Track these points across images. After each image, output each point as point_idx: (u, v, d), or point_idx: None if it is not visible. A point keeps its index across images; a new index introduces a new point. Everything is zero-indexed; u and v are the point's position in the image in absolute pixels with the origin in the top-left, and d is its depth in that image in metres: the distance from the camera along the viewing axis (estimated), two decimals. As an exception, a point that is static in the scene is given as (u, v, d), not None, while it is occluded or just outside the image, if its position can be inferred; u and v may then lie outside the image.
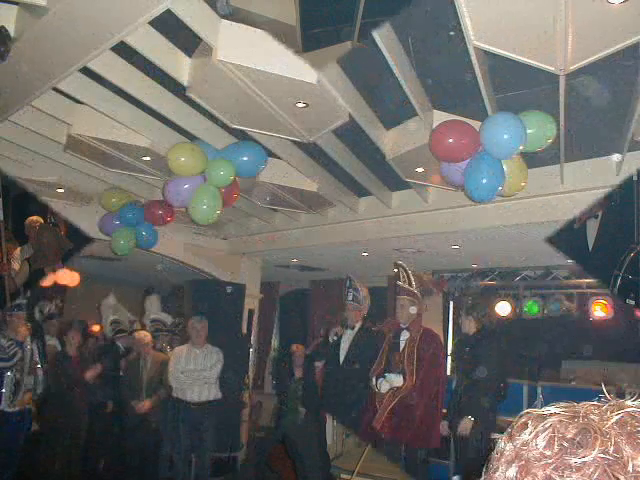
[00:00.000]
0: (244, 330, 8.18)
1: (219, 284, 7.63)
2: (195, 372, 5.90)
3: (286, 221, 7.81)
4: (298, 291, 11.99)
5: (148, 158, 5.35)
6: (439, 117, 4.55)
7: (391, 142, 5.05)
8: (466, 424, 5.12)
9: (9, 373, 5.47)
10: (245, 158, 5.01)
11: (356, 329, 6.14)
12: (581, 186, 5.22)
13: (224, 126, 4.93)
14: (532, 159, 4.76)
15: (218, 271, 8.66)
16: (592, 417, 0.72)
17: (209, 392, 5.93)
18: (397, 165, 5.23)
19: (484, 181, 4.38)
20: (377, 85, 4.40)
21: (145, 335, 6.65)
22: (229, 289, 7.48)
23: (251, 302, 8.65)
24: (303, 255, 8.60)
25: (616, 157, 4.87)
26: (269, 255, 8.76)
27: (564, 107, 3.99)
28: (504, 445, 0.77)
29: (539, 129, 4.18)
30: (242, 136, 5.13)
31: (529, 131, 4.13)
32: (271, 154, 5.27)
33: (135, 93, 4.26)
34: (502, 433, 0.79)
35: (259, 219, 7.95)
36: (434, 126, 4.49)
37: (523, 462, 0.71)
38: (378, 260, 8.39)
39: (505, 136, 4.12)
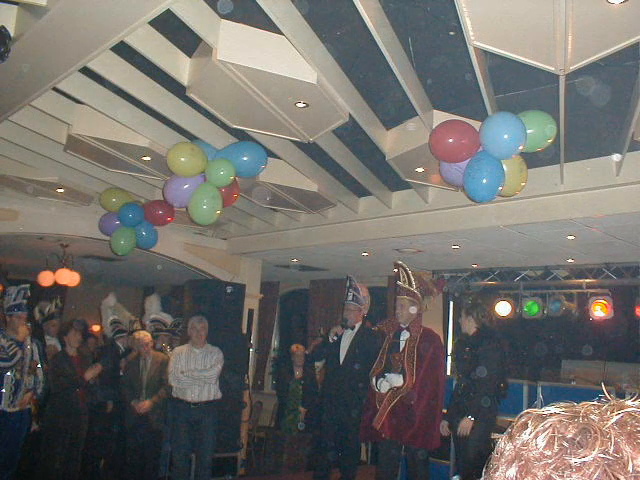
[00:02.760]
0: (244, 330, 8.18)
1: (219, 284, 7.63)
2: (195, 372, 5.89)
3: (286, 221, 7.81)
4: (298, 291, 12.00)
5: (148, 158, 5.35)
6: (439, 117, 4.55)
7: (391, 142, 5.05)
8: (466, 424, 5.13)
9: (9, 373, 5.47)
10: (245, 158, 5.01)
11: (356, 329, 6.14)
12: (581, 186, 5.22)
13: (224, 126, 4.94)
14: (532, 159, 4.76)
15: (218, 271, 8.67)
16: (592, 417, 0.72)
17: (209, 392, 5.93)
18: (397, 165, 5.23)
19: (484, 181, 4.37)
20: (377, 85, 4.41)
21: (145, 335, 6.65)
22: (229, 289, 7.46)
23: (251, 302, 8.65)
24: (303, 255, 8.60)
25: (616, 157, 4.87)
26: (269, 255, 8.77)
27: (564, 107, 3.99)
28: (504, 445, 0.77)
29: (539, 129, 4.18)
30: (242, 136, 5.14)
31: (529, 131, 4.13)
32: (271, 154, 5.28)
33: (135, 93, 4.26)
34: (502, 433, 0.79)
35: (259, 219, 7.96)
36: (434, 126, 4.50)
37: (523, 462, 0.71)
38: (378, 260, 8.40)
39: (505, 136, 4.11)
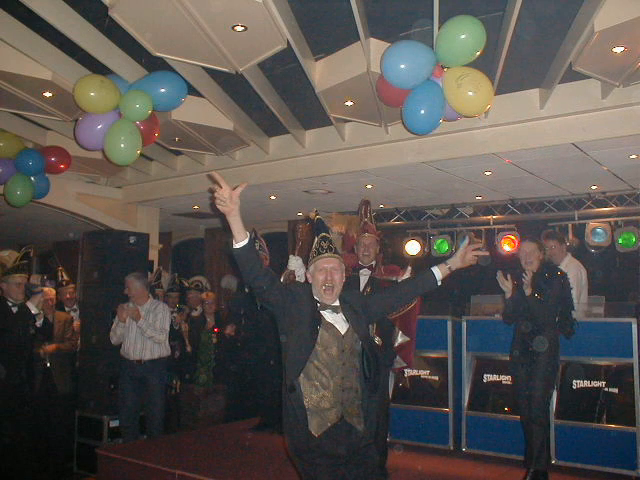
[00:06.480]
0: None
1: (122, 234, 7.02)
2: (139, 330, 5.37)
3: (190, 165, 7.36)
4: (192, 241, 11.54)
5: (49, 94, 4.74)
6: (376, 46, 4.35)
7: (320, 74, 4.79)
8: None
9: None
10: (163, 89, 4.56)
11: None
12: (504, 120, 5.24)
13: (139, 58, 4.51)
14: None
15: (114, 222, 8.07)
16: None
17: (152, 350, 5.43)
18: (325, 98, 4.98)
19: (422, 112, 4.27)
20: (310, 12, 4.12)
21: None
22: (132, 239, 6.91)
23: (151, 253, 8.15)
24: (206, 201, 8.16)
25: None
26: (168, 203, 8.27)
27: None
28: None
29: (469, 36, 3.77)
30: (156, 70, 4.68)
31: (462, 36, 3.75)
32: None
33: (41, 13, 3.70)
34: None
35: (159, 163, 7.44)
36: (371, 55, 4.32)
37: None
38: (284, 204, 8.16)
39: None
